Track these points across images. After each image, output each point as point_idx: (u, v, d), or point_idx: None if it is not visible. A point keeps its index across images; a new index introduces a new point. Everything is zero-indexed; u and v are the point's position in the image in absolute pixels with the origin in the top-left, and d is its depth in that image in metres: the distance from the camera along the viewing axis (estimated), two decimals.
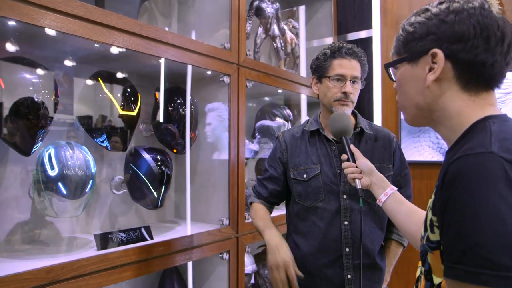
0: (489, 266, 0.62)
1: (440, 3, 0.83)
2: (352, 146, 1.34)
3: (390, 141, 1.60)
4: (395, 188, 1.22)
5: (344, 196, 1.50)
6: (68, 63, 1.59)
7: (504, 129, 0.74)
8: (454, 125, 0.81)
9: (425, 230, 0.80)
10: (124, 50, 1.46)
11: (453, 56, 0.78)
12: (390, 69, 0.93)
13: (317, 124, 1.60)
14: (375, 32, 2.80)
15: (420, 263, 0.85)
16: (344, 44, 1.54)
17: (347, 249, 1.47)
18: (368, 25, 2.83)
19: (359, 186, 1.27)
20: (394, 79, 0.94)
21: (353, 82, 1.52)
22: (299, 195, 1.56)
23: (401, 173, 1.60)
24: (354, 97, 1.54)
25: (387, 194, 1.21)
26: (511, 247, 0.61)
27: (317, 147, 1.58)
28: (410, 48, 0.85)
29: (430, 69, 0.81)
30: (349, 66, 1.51)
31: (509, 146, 0.68)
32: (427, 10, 0.84)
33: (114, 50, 1.47)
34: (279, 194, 1.66)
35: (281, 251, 1.40)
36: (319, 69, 1.58)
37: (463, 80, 0.79)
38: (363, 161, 1.29)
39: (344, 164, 1.31)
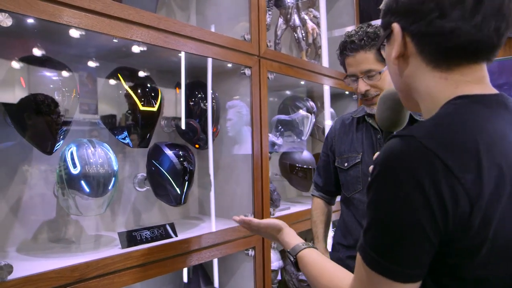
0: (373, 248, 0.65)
1: None
2: None
3: None
4: None
5: None
6: (91, 64, 1.59)
7: (458, 111, 0.65)
8: (427, 108, 0.73)
9: None
10: (144, 47, 1.45)
11: (407, 29, 0.71)
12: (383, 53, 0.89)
13: (365, 111, 1.53)
14: None
15: None
16: (347, 39, 1.42)
17: None
18: None
19: None
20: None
21: (368, 76, 1.39)
22: (342, 184, 1.54)
23: None
24: (378, 90, 1.39)
25: None
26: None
27: (362, 135, 1.51)
28: (383, 25, 0.78)
29: None
30: (355, 63, 1.40)
31: (437, 132, 0.62)
32: None
33: (135, 48, 1.46)
34: (335, 182, 1.63)
35: None
36: (342, 66, 1.53)
37: (426, 55, 0.70)
38: None
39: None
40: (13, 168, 1.43)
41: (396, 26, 0.72)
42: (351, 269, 1.35)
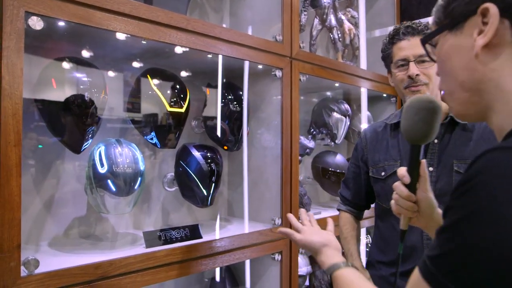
0: (456, 282, 0.49)
1: None
2: (424, 167, 0.91)
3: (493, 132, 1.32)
4: None
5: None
6: (136, 64, 1.64)
7: None
8: (510, 112, 0.60)
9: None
10: (177, 47, 1.46)
11: (511, 10, 0.58)
12: (428, 46, 0.74)
13: (400, 116, 1.45)
14: None
15: None
16: (402, 25, 1.39)
17: None
18: None
19: (403, 227, 0.95)
20: (434, 59, 0.74)
21: (421, 61, 1.33)
22: (378, 194, 1.47)
23: None
24: (427, 78, 1.32)
25: None
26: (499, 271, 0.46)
27: (399, 142, 1.43)
28: (452, 10, 0.65)
29: (480, 33, 0.61)
30: (409, 46, 1.35)
31: None
32: None
33: (175, 49, 1.47)
34: (365, 194, 1.57)
35: None
36: (385, 59, 1.48)
37: None
38: (426, 196, 0.91)
39: (399, 188, 0.92)
40: (46, 165, 1.48)
41: (492, 7, 0.59)
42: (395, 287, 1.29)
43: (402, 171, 0.92)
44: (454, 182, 1.31)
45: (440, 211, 0.93)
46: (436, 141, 1.35)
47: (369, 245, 2.33)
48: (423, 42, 0.75)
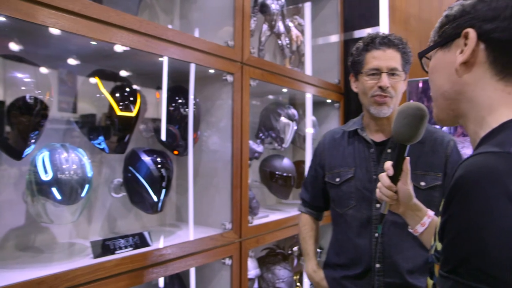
0: (486, 281, 0.54)
1: None
2: (407, 163, 1.03)
3: (443, 144, 1.38)
4: (433, 214, 1.05)
5: (378, 205, 1.37)
6: (72, 61, 1.53)
7: None
8: (482, 122, 0.71)
9: (434, 239, 0.72)
10: (126, 48, 1.40)
11: (486, 36, 0.70)
12: (423, 59, 0.85)
13: (359, 124, 1.49)
14: (383, 30, 2.72)
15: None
16: (379, 34, 1.41)
17: (378, 265, 1.34)
18: (375, 23, 2.75)
19: (383, 211, 1.07)
20: (426, 70, 0.85)
21: (392, 74, 1.37)
22: (333, 200, 1.50)
23: None
24: (395, 91, 1.38)
25: (424, 224, 1.04)
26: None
27: (354, 149, 1.47)
28: (444, 32, 0.78)
29: (461, 52, 0.73)
30: (384, 57, 1.37)
31: None
32: None
33: (118, 48, 1.39)
34: (323, 197, 1.60)
35: None
36: (354, 65, 1.47)
37: (497, 66, 0.69)
38: (405, 189, 1.04)
39: (383, 179, 1.04)
40: None
41: (471, 32, 0.70)
42: None
43: (388, 164, 1.05)
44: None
45: (417, 201, 1.06)
46: (389, 150, 1.41)
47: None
48: (420, 56, 0.85)
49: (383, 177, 1.05)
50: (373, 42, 1.40)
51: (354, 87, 1.50)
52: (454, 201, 0.60)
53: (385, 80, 1.36)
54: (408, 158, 1.03)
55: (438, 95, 0.80)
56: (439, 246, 0.67)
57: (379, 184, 1.07)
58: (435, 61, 0.80)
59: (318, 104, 2.75)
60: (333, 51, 2.82)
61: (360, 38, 2.77)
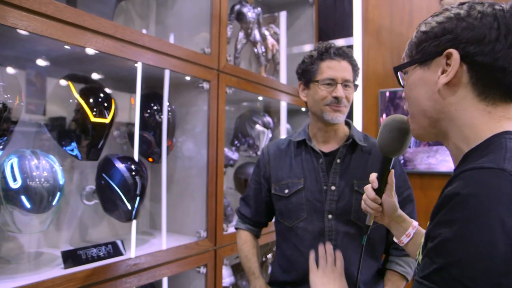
0: None
1: (461, 4, 0.75)
2: (392, 176, 1.04)
3: None
4: (417, 225, 1.06)
5: (330, 216, 1.33)
6: (41, 62, 1.47)
7: None
8: (465, 139, 0.72)
9: (419, 253, 0.73)
10: (98, 52, 1.37)
11: (469, 58, 0.70)
12: (399, 74, 0.85)
13: (305, 134, 1.45)
14: (356, 40, 2.79)
15: None
16: (332, 45, 1.40)
17: None
18: (349, 33, 2.82)
19: (368, 222, 1.07)
20: (402, 85, 0.85)
21: (345, 85, 1.37)
22: (281, 212, 1.42)
23: (403, 194, 1.38)
24: (348, 102, 1.38)
25: (409, 235, 1.04)
26: (495, 277, 0.53)
27: (302, 160, 1.42)
28: (423, 49, 0.77)
29: (443, 72, 0.73)
30: (339, 68, 1.36)
31: None
32: (446, 10, 0.76)
33: (90, 51, 1.36)
34: (266, 212, 1.52)
35: None
36: (306, 73, 1.42)
37: (479, 87, 0.71)
38: (389, 201, 1.04)
39: (368, 191, 1.05)
40: None
41: (455, 53, 0.70)
42: None
43: (373, 176, 1.04)
44: (354, 201, 1.34)
45: (401, 212, 1.06)
46: (338, 160, 1.39)
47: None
48: (396, 71, 0.85)
49: (368, 189, 1.05)
50: (328, 52, 1.38)
51: (303, 95, 1.47)
52: (444, 210, 0.60)
53: (340, 90, 1.35)
54: (393, 171, 1.03)
55: (418, 112, 0.79)
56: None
57: (364, 196, 1.06)
58: (414, 78, 0.79)
59: (292, 112, 2.78)
60: None
61: None
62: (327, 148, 1.42)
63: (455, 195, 0.60)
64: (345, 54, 1.39)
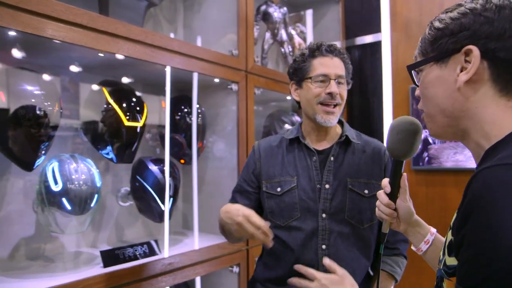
0: None
1: None
2: (405, 179, 1.00)
3: (380, 154, 1.39)
4: (435, 231, 1.01)
5: (323, 215, 1.29)
6: (74, 69, 1.53)
7: None
8: (486, 136, 0.70)
9: (443, 253, 0.71)
10: (129, 57, 1.41)
11: (490, 55, 0.68)
12: (413, 72, 0.83)
13: (298, 132, 1.41)
14: (384, 36, 2.74)
15: None
16: (323, 42, 1.37)
17: None
18: (376, 29, 2.77)
19: (384, 230, 1.03)
20: (417, 84, 0.83)
21: (338, 82, 1.34)
22: (272, 211, 1.36)
23: None
24: (341, 99, 1.35)
25: (428, 242, 0.99)
26: None
27: (295, 157, 1.38)
28: (439, 46, 0.74)
29: (462, 69, 0.71)
30: (331, 64, 1.33)
31: None
32: (460, 5, 0.74)
33: (121, 57, 1.41)
34: (255, 210, 1.38)
35: (241, 209, 1.17)
36: (298, 72, 1.38)
37: (500, 83, 0.69)
38: (404, 206, 1.00)
39: (381, 196, 1.01)
40: None
41: (475, 49, 0.69)
42: None
43: (385, 181, 1.00)
44: (348, 200, 1.31)
45: (418, 218, 1.02)
46: (332, 158, 1.36)
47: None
48: (410, 69, 0.82)
49: (381, 195, 1.01)
50: (319, 49, 1.35)
51: (296, 95, 1.42)
52: (473, 215, 0.58)
53: (334, 86, 1.32)
54: (405, 174, 1.00)
55: (436, 112, 0.77)
56: (448, 260, 0.66)
57: (377, 202, 1.02)
58: (430, 76, 0.77)
59: None
60: None
61: (362, 45, 2.83)
62: (321, 146, 1.39)
63: (478, 198, 0.58)
64: (337, 51, 1.37)
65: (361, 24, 2.85)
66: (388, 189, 0.99)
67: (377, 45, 2.76)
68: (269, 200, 1.37)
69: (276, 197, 1.35)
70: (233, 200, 1.45)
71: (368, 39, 2.85)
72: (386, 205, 1.00)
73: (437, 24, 0.76)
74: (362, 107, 2.82)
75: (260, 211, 1.43)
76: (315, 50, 1.36)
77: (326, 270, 1.16)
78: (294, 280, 1.16)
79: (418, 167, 2.42)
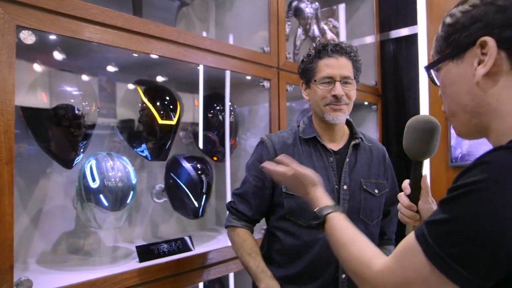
0: (463, 264, 0.57)
1: None
2: (425, 180, 0.97)
3: (384, 155, 1.46)
4: None
5: None
6: (110, 69, 1.58)
7: None
8: (510, 128, 0.67)
9: None
10: (169, 60, 1.44)
11: (507, 44, 0.65)
12: (432, 72, 0.80)
13: (313, 131, 1.39)
14: (421, 29, 2.64)
15: None
16: (330, 42, 1.36)
17: (343, 276, 1.29)
18: (412, 22, 2.68)
19: (407, 233, 0.98)
20: (437, 83, 0.80)
21: (345, 82, 1.33)
22: (291, 211, 1.33)
23: (393, 190, 1.43)
24: (349, 99, 1.34)
25: None
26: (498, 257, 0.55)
27: (312, 158, 1.36)
28: (452, 41, 0.72)
29: (480, 63, 0.68)
30: (337, 65, 1.33)
31: None
32: None
33: (155, 57, 1.43)
34: (264, 209, 1.42)
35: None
36: (305, 72, 1.40)
37: None
38: (427, 207, 0.96)
39: (402, 198, 0.98)
40: (33, 179, 1.44)
41: (490, 40, 0.66)
42: None
43: (405, 183, 0.99)
44: (363, 200, 1.34)
45: None
46: (348, 160, 1.37)
47: None
48: (428, 69, 0.80)
49: (402, 197, 0.98)
50: (325, 50, 1.34)
51: (305, 94, 1.44)
52: (474, 169, 0.60)
53: (339, 88, 1.31)
54: (426, 175, 0.97)
55: (458, 109, 0.75)
56: None
57: (398, 205, 1.00)
58: (448, 74, 0.75)
59: (355, 107, 2.66)
60: (369, 52, 2.77)
61: (397, 38, 2.75)
62: (335, 146, 1.40)
63: (474, 166, 0.60)
64: (343, 50, 1.34)
65: (396, 17, 2.76)
66: (408, 190, 0.97)
67: (413, 38, 2.67)
68: (288, 199, 1.35)
69: (297, 197, 1.28)
70: (245, 203, 1.41)
71: (403, 32, 2.77)
72: (407, 207, 0.97)
73: (448, 20, 0.73)
74: (398, 102, 2.74)
75: (266, 210, 1.42)
76: (321, 51, 1.36)
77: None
78: (266, 165, 1.15)
79: (457, 164, 2.32)
